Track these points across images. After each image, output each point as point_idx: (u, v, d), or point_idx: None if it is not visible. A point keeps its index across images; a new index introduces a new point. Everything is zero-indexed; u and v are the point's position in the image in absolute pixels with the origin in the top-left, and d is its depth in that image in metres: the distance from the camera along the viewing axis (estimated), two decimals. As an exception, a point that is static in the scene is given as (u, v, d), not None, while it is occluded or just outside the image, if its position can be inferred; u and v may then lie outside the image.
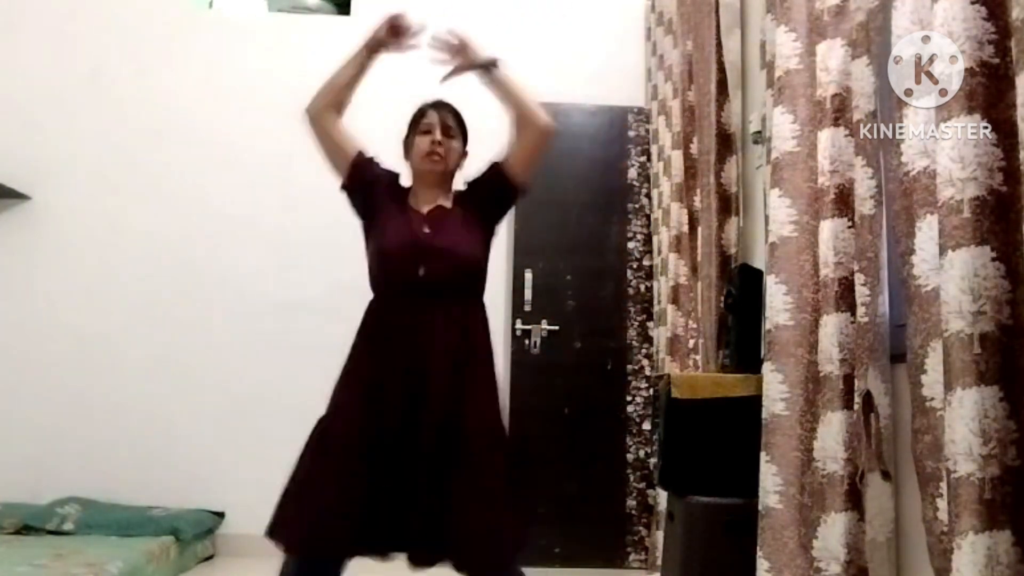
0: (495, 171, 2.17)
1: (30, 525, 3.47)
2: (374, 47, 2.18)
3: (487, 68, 2.15)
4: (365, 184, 2.15)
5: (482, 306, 2.12)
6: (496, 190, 2.17)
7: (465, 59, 2.17)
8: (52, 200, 4.04)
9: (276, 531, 1.97)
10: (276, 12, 4.47)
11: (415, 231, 2.09)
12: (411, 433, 1.94)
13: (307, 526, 1.94)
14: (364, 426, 1.96)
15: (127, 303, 3.99)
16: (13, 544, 3.23)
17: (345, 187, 2.17)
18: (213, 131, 4.11)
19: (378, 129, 2.30)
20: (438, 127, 2.15)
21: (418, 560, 1.96)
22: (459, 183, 2.23)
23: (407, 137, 2.22)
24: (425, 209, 2.14)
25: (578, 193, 4.03)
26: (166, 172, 4.09)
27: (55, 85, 4.10)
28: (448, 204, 2.18)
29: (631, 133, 4.07)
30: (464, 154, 2.23)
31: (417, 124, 2.19)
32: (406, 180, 2.23)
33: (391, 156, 2.22)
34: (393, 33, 2.19)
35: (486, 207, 2.17)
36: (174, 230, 4.06)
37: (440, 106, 2.20)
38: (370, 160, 2.18)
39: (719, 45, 2.90)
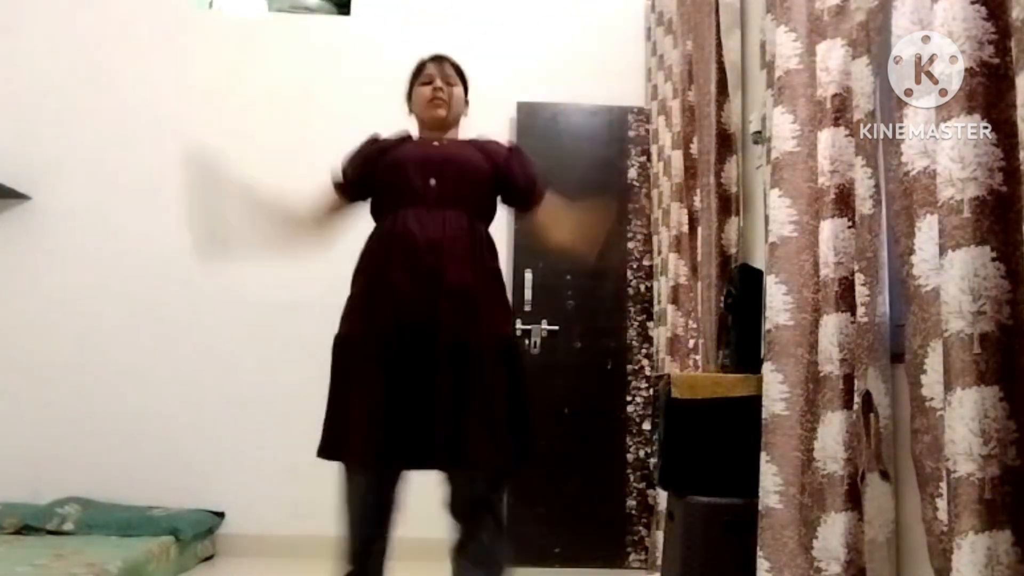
0: (521, 184, 2.26)
1: (30, 525, 3.46)
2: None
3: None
4: (367, 168, 2.24)
5: (489, 232, 2.19)
6: (513, 189, 2.26)
7: None
8: (52, 200, 4.03)
9: (325, 449, 2.06)
10: (276, 12, 4.47)
11: (426, 148, 2.19)
12: (426, 341, 2.00)
13: (341, 437, 2.02)
14: (380, 337, 2.02)
15: (127, 303, 3.99)
16: (13, 544, 3.23)
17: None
18: (213, 131, 4.10)
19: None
20: (438, 75, 2.23)
21: (418, 462, 2.03)
22: (469, 129, 2.30)
23: (409, 90, 2.30)
24: (435, 138, 2.22)
25: (578, 193, 4.01)
26: (166, 172, 4.08)
27: (55, 85, 4.10)
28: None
29: (631, 133, 4.07)
30: (466, 103, 2.30)
31: (418, 75, 2.28)
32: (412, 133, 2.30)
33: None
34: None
35: (499, 179, 2.23)
36: (174, 230, 4.05)
37: (439, 57, 2.29)
38: (360, 157, 2.26)
39: (719, 45, 2.90)
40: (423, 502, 2.18)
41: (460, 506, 2.11)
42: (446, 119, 2.22)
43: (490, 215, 2.22)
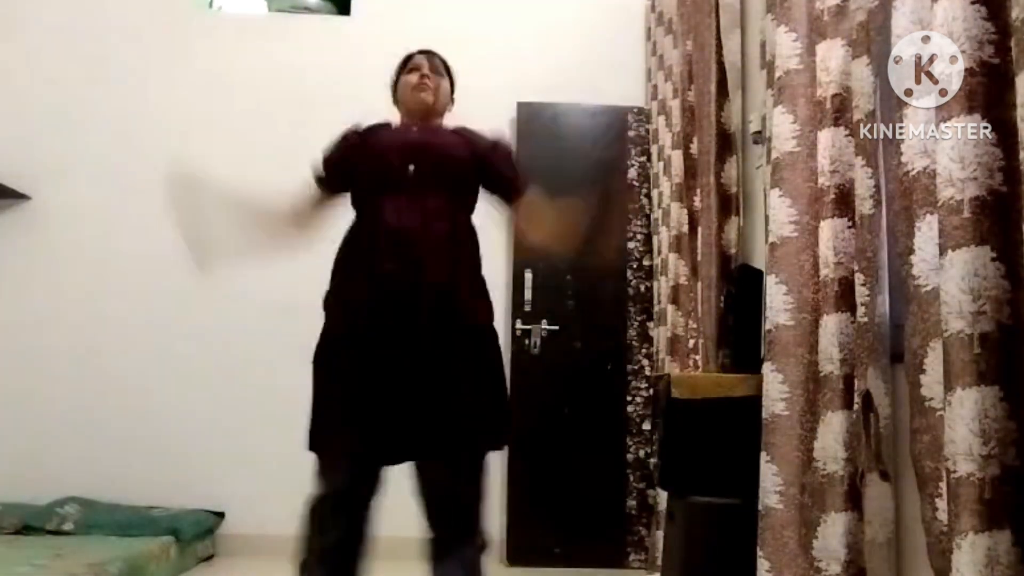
0: (504, 173, 2.23)
1: (30, 525, 3.47)
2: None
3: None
4: (348, 158, 2.24)
5: (471, 220, 2.17)
6: (494, 178, 2.23)
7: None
8: (52, 200, 4.04)
9: (312, 446, 2.06)
10: (276, 12, 4.47)
11: (404, 135, 2.19)
12: (405, 334, 1.99)
13: (323, 436, 2.03)
14: (359, 333, 2.02)
15: (127, 303, 3.99)
16: (13, 544, 3.23)
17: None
18: (213, 131, 4.11)
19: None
20: (425, 65, 2.25)
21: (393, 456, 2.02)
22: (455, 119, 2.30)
23: (395, 80, 2.31)
24: (415, 125, 2.23)
25: (578, 193, 4.02)
26: (166, 172, 4.08)
27: (55, 85, 4.10)
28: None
29: (631, 133, 4.07)
30: (451, 97, 2.31)
31: (404, 66, 2.30)
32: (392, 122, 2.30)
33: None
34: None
35: (480, 167, 2.22)
36: (174, 231, 4.05)
37: (427, 50, 2.31)
38: (340, 148, 2.26)
39: (719, 45, 2.90)
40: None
41: (436, 505, 2.08)
42: (432, 106, 2.22)
43: (472, 202, 2.19)
